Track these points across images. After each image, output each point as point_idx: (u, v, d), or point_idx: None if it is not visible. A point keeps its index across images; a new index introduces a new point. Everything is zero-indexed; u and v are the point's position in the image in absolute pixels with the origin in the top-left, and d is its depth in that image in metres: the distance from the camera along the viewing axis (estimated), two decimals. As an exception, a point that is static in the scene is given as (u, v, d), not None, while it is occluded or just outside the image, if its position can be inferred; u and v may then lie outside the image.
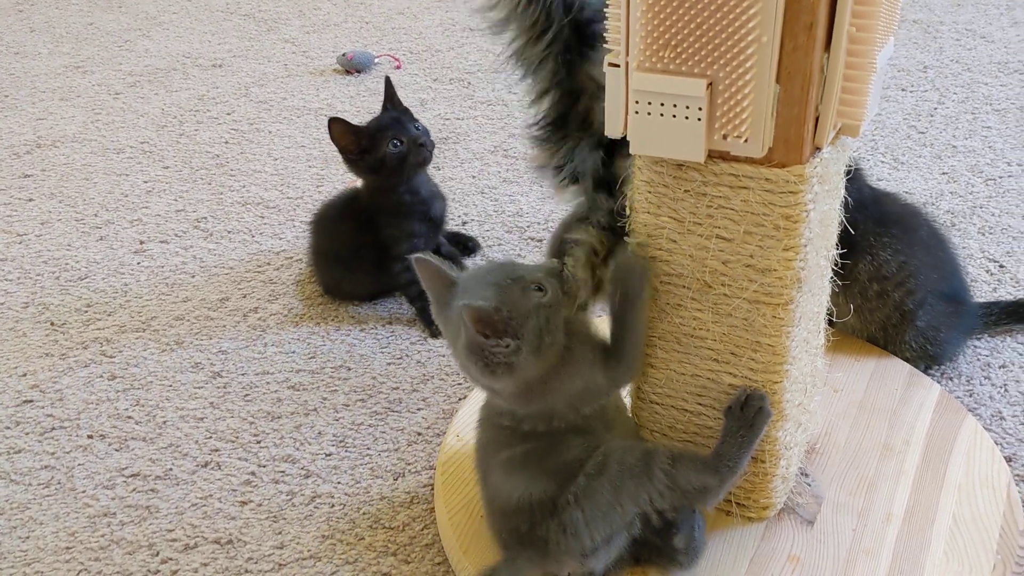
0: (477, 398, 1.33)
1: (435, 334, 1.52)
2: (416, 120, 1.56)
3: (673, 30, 0.85)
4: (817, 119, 0.88)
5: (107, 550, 1.17)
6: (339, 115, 1.53)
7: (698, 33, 0.84)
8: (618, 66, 0.91)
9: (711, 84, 0.86)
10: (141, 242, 1.79)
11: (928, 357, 1.34)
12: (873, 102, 0.91)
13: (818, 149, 0.90)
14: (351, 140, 1.52)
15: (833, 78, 0.86)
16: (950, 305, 1.33)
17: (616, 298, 1.01)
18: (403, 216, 1.55)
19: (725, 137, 0.88)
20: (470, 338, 0.94)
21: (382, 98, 1.57)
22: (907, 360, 1.34)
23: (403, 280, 1.56)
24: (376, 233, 1.56)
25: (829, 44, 0.85)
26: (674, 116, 0.87)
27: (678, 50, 0.85)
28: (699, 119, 0.87)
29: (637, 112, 0.89)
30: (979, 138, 2.00)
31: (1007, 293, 1.52)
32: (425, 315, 1.54)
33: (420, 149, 1.52)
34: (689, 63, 0.86)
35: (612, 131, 0.94)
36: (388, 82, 1.58)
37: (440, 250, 1.63)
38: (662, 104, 0.87)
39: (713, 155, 0.90)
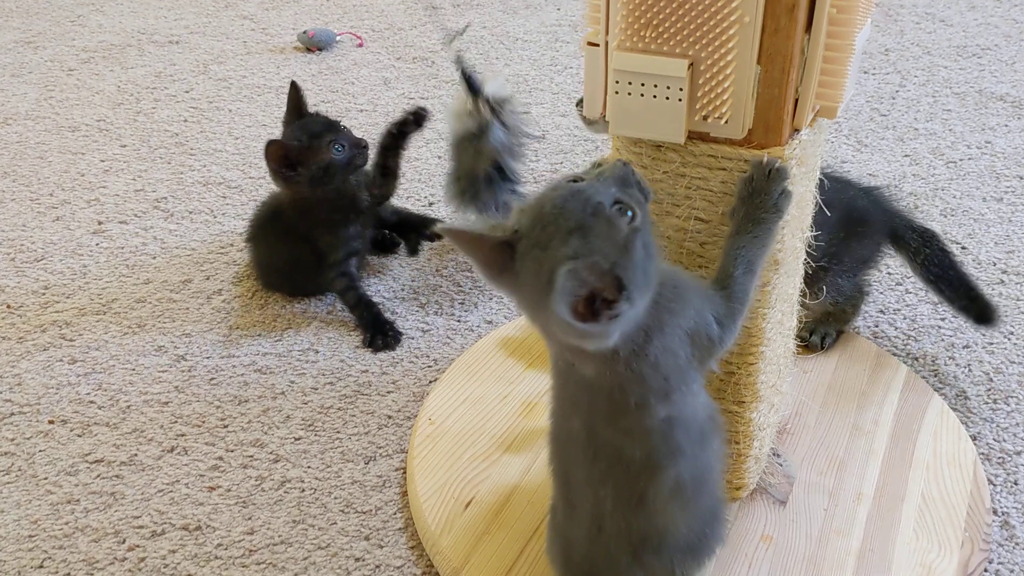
0: (449, 381, 1.32)
1: (377, 348, 1.43)
2: (338, 121, 1.50)
3: (655, 9, 0.84)
4: (796, 101, 0.88)
5: (72, 537, 1.14)
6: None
7: (680, 13, 0.83)
8: (597, 45, 0.90)
9: (692, 64, 0.85)
10: (99, 223, 1.74)
11: (851, 299, 1.34)
12: (851, 84, 0.91)
13: (797, 131, 0.90)
14: (282, 157, 1.43)
15: (813, 60, 0.86)
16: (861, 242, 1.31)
17: (739, 214, 0.87)
18: (338, 224, 1.49)
19: (705, 118, 0.87)
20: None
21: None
22: (835, 307, 1.33)
23: (339, 287, 1.50)
24: (311, 243, 1.50)
25: (810, 26, 0.85)
26: (654, 97, 0.87)
27: (659, 30, 0.85)
28: (680, 100, 0.86)
29: (617, 92, 0.88)
30: (939, 121, 2.02)
31: (969, 274, 1.53)
32: (365, 323, 1.46)
33: (363, 152, 1.47)
34: (671, 43, 0.85)
35: (590, 112, 0.93)
36: (294, 87, 1.51)
37: (374, 240, 1.61)
38: (642, 84, 0.87)
39: (692, 136, 0.90)
